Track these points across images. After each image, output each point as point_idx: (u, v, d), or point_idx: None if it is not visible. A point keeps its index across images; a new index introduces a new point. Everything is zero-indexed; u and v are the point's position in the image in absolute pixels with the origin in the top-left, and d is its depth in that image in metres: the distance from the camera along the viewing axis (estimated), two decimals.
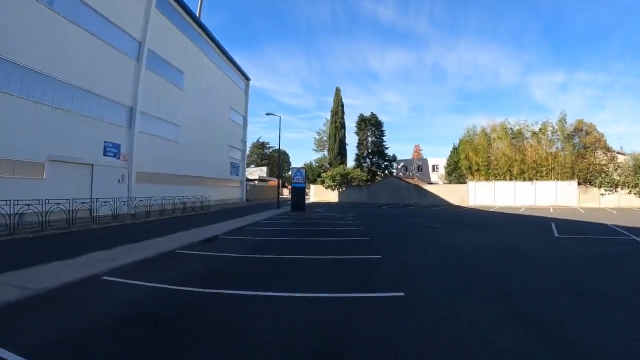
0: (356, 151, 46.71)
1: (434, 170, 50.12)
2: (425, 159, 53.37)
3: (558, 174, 31.41)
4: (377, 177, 44.75)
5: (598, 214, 20.10)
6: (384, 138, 46.71)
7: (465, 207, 28.13)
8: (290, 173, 27.89)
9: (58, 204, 11.71)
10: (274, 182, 48.37)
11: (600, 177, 29.22)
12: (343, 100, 44.41)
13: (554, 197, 29.98)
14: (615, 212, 22.29)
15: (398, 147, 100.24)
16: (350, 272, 6.16)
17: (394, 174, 47.50)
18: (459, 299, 4.59)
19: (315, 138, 62.13)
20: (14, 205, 10.46)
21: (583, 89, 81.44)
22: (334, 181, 37.83)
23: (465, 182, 34.59)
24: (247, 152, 48.03)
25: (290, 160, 70.71)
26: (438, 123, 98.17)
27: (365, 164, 46.20)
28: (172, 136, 23.57)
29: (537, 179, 31.51)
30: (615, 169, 29.83)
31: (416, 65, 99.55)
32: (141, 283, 5.27)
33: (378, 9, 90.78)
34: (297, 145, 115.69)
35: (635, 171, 27.88)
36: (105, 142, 17.15)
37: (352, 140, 64.99)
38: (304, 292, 4.84)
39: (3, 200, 10.37)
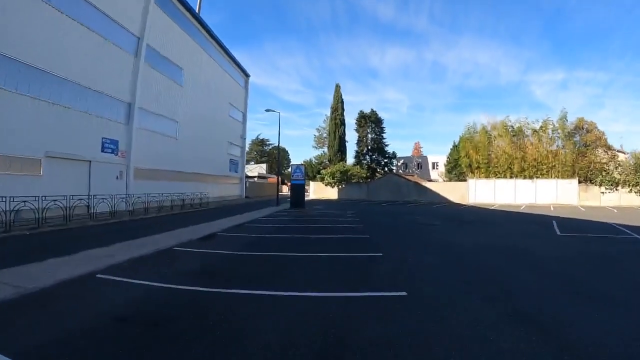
0: (356, 148, 46.70)
1: (433, 167, 50.04)
2: (425, 157, 53.32)
3: (559, 172, 31.37)
4: (377, 174, 44.63)
5: (599, 213, 20.11)
6: (383, 135, 46.70)
7: (465, 205, 28.10)
8: (289, 170, 27.88)
9: (55, 200, 11.65)
10: (273, 179, 48.29)
11: (600, 176, 29.24)
12: (343, 97, 44.27)
13: (554, 195, 29.99)
14: (615, 210, 22.33)
15: (398, 145, 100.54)
16: (350, 271, 6.13)
17: (394, 171, 47.42)
18: (459, 298, 4.57)
19: (315, 135, 62.17)
20: (10, 201, 10.40)
21: (583, 88, 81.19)
22: (333, 178, 37.78)
23: (465, 180, 34.51)
24: (247, 149, 47.97)
25: (290, 157, 70.67)
26: (438, 121, 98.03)
27: (365, 161, 46.12)
28: (171, 132, 23.45)
29: (537, 177, 31.47)
30: (616, 168, 29.81)
31: (416, 63, 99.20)
32: (139, 281, 5.23)
33: (378, 6, 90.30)
34: (296, 142, 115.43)
35: (636, 170, 27.91)
36: (103, 138, 17.04)
37: (351, 137, 64.85)
38: (304, 291, 4.82)
39: None
